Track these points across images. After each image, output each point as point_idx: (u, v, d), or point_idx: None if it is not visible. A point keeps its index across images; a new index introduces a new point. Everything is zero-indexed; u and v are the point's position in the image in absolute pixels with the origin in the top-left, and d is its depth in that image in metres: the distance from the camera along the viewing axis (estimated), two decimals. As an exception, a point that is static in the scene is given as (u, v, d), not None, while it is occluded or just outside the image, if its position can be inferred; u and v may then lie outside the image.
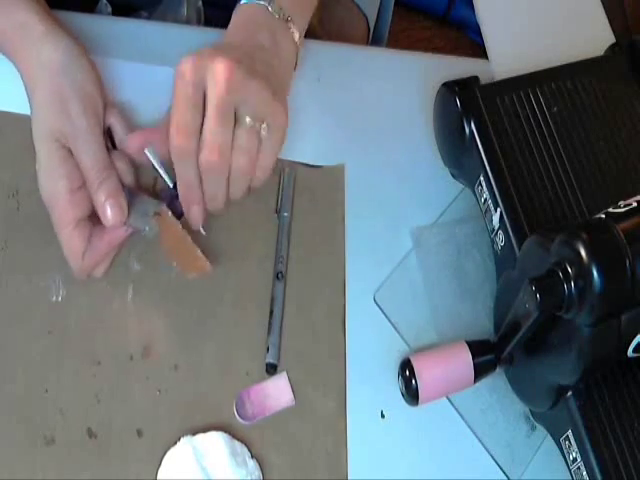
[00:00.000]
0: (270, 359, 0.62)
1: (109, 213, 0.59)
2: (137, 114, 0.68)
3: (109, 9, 0.79)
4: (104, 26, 0.71)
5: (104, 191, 0.59)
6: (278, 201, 0.67)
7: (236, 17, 0.65)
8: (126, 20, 0.74)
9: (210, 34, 0.73)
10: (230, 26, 0.65)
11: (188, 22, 0.81)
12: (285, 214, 0.67)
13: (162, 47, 0.71)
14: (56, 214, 0.60)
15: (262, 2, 0.64)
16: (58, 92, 0.60)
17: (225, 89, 0.56)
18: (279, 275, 0.65)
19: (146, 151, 0.61)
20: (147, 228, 0.61)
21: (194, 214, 0.61)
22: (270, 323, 0.63)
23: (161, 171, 0.61)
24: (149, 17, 0.81)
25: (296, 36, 0.65)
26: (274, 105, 0.59)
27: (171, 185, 0.61)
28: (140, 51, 0.70)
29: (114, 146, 0.63)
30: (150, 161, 0.61)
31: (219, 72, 0.56)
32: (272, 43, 0.63)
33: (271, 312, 0.64)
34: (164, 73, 0.69)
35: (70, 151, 0.60)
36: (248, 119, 0.57)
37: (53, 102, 0.60)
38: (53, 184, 0.59)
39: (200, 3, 0.81)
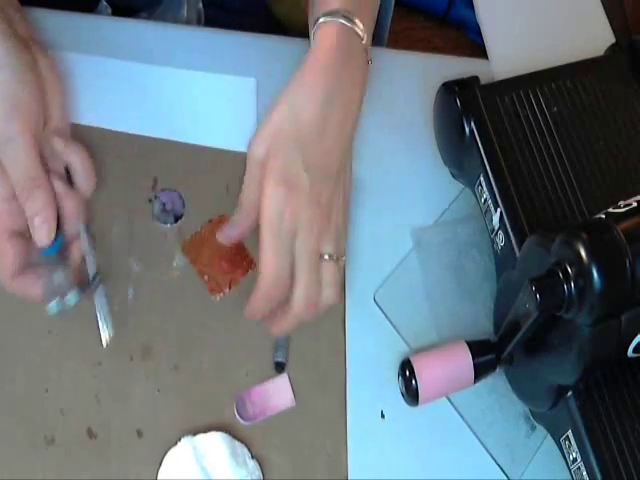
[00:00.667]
0: (279, 358, 0.63)
1: (36, 230, 0.57)
2: (137, 114, 0.68)
3: (109, 10, 0.79)
4: (104, 26, 0.71)
5: (31, 205, 0.57)
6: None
7: (324, 41, 0.60)
8: (126, 20, 0.74)
9: (210, 35, 0.73)
10: (316, 51, 0.60)
11: (188, 22, 0.81)
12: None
13: (162, 47, 0.71)
14: None
15: (355, 29, 0.60)
16: None
17: (316, 242, 0.57)
18: None
19: (80, 228, 0.60)
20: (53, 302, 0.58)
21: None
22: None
23: (88, 256, 0.60)
24: (149, 18, 0.81)
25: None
26: (343, 235, 0.60)
27: (92, 274, 0.60)
28: (140, 51, 0.70)
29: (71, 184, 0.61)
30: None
31: (312, 225, 0.57)
32: (360, 91, 0.61)
33: None
34: (164, 73, 0.70)
35: None
36: (327, 256, 0.58)
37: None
38: None
39: (200, 4, 0.81)
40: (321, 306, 0.59)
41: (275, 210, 0.56)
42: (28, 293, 0.58)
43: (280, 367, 0.63)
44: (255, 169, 0.57)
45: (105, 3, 0.78)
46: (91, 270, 0.60)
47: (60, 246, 0.59)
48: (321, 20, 0.60)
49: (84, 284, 0.60)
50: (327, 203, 0.58)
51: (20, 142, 0.57)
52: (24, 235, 0.58)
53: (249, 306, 0.58)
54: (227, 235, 0.60)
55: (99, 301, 0.60)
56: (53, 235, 0.57)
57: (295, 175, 0.56)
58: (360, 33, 0.60)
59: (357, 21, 0.60)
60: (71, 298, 0.58)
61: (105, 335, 0.60)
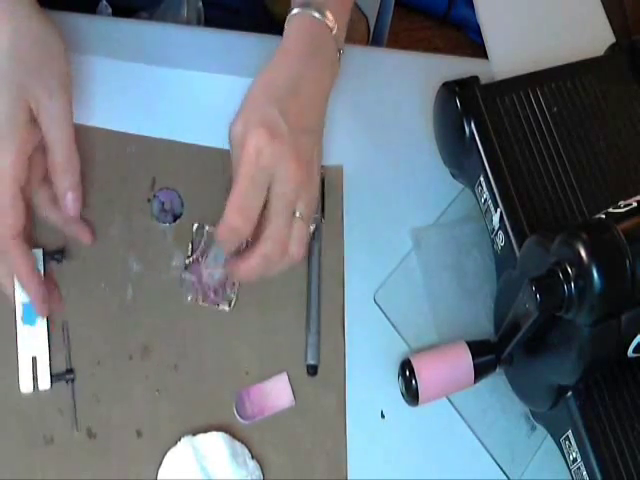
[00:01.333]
0: (311, 360, 0.62)
1: (69, 204, 0.59)
2: (136, 114, 0.68)
3: (109, 10, 0.79)
4: (104, 27, 0.71)
5: (70, 177, 0.59)
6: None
7: (295, 32, 0.63)
8: (126, 21, 0.74)
9: (210, 34, 0.73)
10: (289, 36, 0.62)
11: (188, 23, 0.81)
12: (315, 215, 0.66)
13: (162, 48, 0.71)
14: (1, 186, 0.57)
15: (325, 21, 0.62)
16: (37, 58, 0.58)
17: (294, 193, 0.57)
18: (312, 275, 0.65)
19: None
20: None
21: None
22: (308, 323, 0.64)
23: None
24: (149, 18, 0.81)
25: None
26: (314, 200, 0.60)
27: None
28: (140, 52, 0.70)
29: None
30: None
31: (291, 173, 0.56)
32: (330, 75, 0.63)
33: (308, 311, 0.64)
34: (164, 73, 0.69)
35: (32, 118, 0.58)
36: (299, 213, 0.58)
37: (30, 61, 0.58)
38: (9, 149, 0.57)
39: (200, 4, 0.81)
40: (285, 259, 0.58)
41: (255, 147, 0.55)
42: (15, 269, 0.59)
43: (313, 370, 0.62)
44: (237, 147, 0.57)
45: (105, 3, 0.78)
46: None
47: (40, 318, 0.61)
48: (294, 12, 0.62)
49: (60, 374, 0.61)
50: (306, 160, 0.58)
51: (69, 116, 0.60)
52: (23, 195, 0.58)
53: (216, 237, 0.58)
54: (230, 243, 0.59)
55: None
56: (79, 209, 0.60)
57: (275, 123, 0.56)
58: (330, 24, 0.62)
59: (328, 13, 0.62)
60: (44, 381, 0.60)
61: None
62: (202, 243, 0.64)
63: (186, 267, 0.64)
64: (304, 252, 0.59)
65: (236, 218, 0.56)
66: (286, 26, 0.63)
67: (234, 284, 0.63)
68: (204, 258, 0.64)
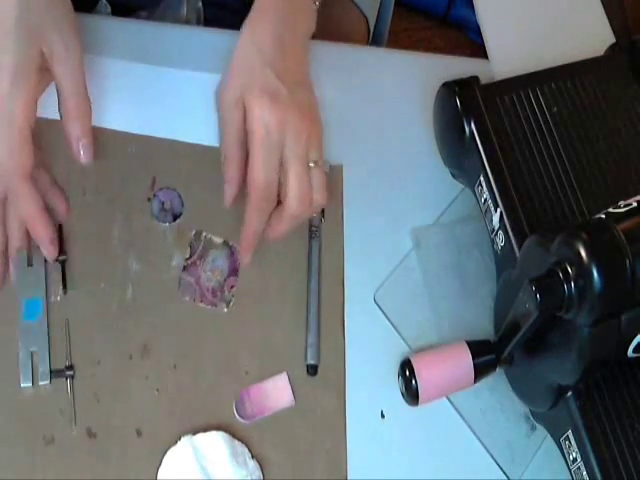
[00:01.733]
0: (311, 360, 0.62)
1: (82, 152, 0.61)
2: (135, 114, 0.68)
3: (108, 9, 0.79)
4: (103, 26, 0.71)
5: (81, 122, 0.60)
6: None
7: None
8: (127, 20, 0.74)
9: (209, 34, 0.73)
10: None
11: (187, 22, 0.80)
12: (315, 215, 0.66)
13: (163, 47, 0.71)
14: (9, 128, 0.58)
15: None
16: (48, 6, 0.60)
17: (305, 147, 0.60)
18: (312, 275, 0.65)
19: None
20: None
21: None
22: (307, 322, 0.64)
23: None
24: (148, 17, 0.80)
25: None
26: (321, 143, 0.63)
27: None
28: (140, 51, 0.70)
29: None
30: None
31: (298, 132, 0.60)
32: (307, 25, 0.66)
33: (308, 311, 0.64)
34: (164, 73, 0.69)
35: (43, 68, 0.59)
36: (312, 162, 0.61)
37: (42, 8, 0.59)
38: (18, 93, 0.58)
39: (200, 4, 0.81)
40: (313, 208, 0.62)
41: (263, 123, 0.59)
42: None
43: (313, 370, 0.62)
44: (230, 110, 0.61)
45: (104, 1, 0.78)
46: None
47: (41, 314, 0.61)
48: None
49: (60, 370, 0.61)
50: (308, 109, 0.62)
51: (81, 64, 0.61)
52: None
53: (246, 225, 0.61)
54: (228, 196, 0.62)
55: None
56: (92, 156, 0.62)
57: (274, 87, 0.60)
58: None
59: None
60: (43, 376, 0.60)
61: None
62: (200, 247, 0.64)
63: (184, 268, 0.64)
64: (327, 195, 0.62)
65: (263, 203, 0.60)
66: None
67: (232, 287, 0.64)
68: (202, 261, 0.64)
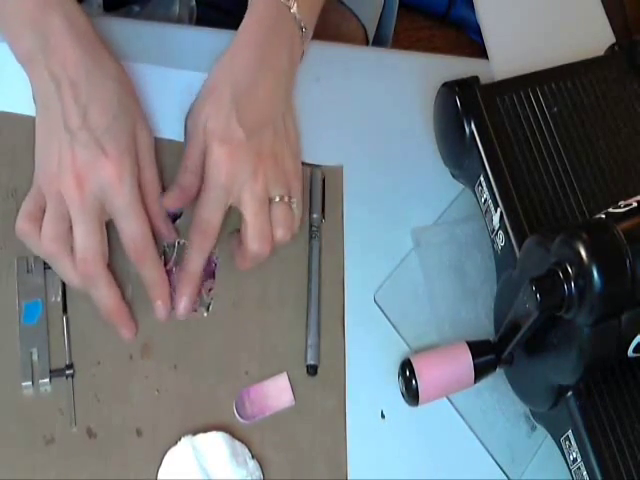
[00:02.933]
0: (311, 360, 0.62)
1: (170, 229, 0.64)
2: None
3: (100, 1, 0.78)
4: (99, 25, 0.71)
5: (163, 210, 0.63)
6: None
7: (253, 13, 0.65)
8: (121, 20, 0.74)
9: (202, 33, 0.73)
10: (248, 22, 0.65)
11: (180, 20, 0.80)
12: (315, 215, 0.67)
13: (158, 47, 0.71)
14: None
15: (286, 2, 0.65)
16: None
17: (263, 188, 0.61)
18: (312, 275, 0.65)
19: None
20: None
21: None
22: (307, 322, 0.64)
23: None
24: (140, 12, 0.80)
25: (306, 44, 0.67)
26: (294, 178, 0.64)
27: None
28: (136, 51, 0.70)
29: None
30: None
31: (254, 176, 0.61)
32: (289, 56, 0.65)
33: (308, 311, 0.64)
34: (164, 73, 0.69)
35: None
36: (278, 197, 0.62)
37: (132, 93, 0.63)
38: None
39: (193, 2, 0.81)
40: (274, 244, 0.62)
41: (216, 166, 0.60)
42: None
43: (313, 370, 0.62)
44: (200, 133, 0.62)
45: (96, -7, 0.78)
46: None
47: (41, 316, 0.61)
48: None
49: (59, 369, 0.61)
50: (270, 151, 0.62)
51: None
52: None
53: (185, 265, 0.62)
54: (175, 199, 0.62)
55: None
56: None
57: (233, 132, 0.61)
58: (288, 2, 0.65)
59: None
60: (43, 376, 0.60)
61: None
62: (174, 255, 0.64)
63: None
64: (292, 231, 0.63)
65: (200, 234, 0.61)
66: (248, 7, 0.65)
67: (210, 289, 0.64)
68: (177, 269, 0.63)
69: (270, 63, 0.64)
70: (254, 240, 0.61)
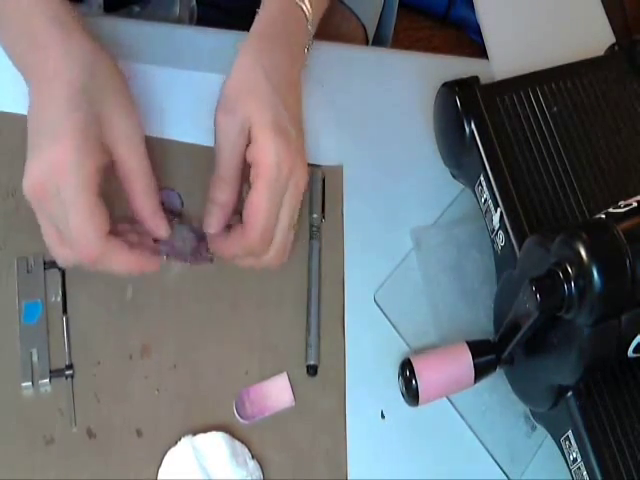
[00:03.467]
0: (311, 361, 0.62)
1: (162, 224, 0.58)
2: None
3: (100, 1, 0.78)
4: (100, 26, 0.71)
5: (152, 202, 0.58)
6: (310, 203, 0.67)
7: (276, 13, 0.63)
8: (122, 20, 0.74)
9: (206, 34, 0.73)
10: (263, 19, 0.62)
11: (180, 20, 0.80)
12: (315, 215, 0.67)
13: (160, 47, 0.71)
14: (73, 178, 0.53)
15: (300, 4, 0.63)
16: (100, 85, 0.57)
17: (297, 205, 0.59)
18: (312, 275, 0.65)
19: None
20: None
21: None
22: (307, 322, 0.64)
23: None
24: (141, 12, 0.80)
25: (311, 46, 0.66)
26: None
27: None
28: (138, 51, 0.70)
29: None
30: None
31: (301, 182, 0.58)
32: (303, 54, 0.64)
33: (308, 311, 0.64)
34: (163, 73, 0.69)
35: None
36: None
37: (110, 77, 0.58)
38: (79, 147, 0.54)
39: (194, 2, 0.81)
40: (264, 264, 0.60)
41: (275, 161, 0.55)
42: (126, 255, 0.56)
43: (313, 370, 0.62)
44: (235, 134, 0.57)
45: (96, -7, 0.78)
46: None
47: (41, 316, 0.61)
48: None
49: (59, 369, 0.60)
50: (305, 158, 0.60)
51: (139, 137, 0.58)
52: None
53: (225, 248, 0.59)
54: (216, 222, 0.59)
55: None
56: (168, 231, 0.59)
57: (286, 127, 0.57)
58: (307, 13, 0.63)
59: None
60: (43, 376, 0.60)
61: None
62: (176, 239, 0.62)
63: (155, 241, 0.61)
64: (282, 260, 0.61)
65: (258, 242, 0.57)
66: (262, 10, 0.63)
67: (207, 249, 0.62)
68: (170, 235, 0.61)
69: (294, 62, 0.62)
70: (274, 255, 0.59)
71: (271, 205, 0.56)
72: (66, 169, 0.53)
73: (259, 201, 0.56)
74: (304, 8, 0.62)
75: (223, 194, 0.58)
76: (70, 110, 0.55)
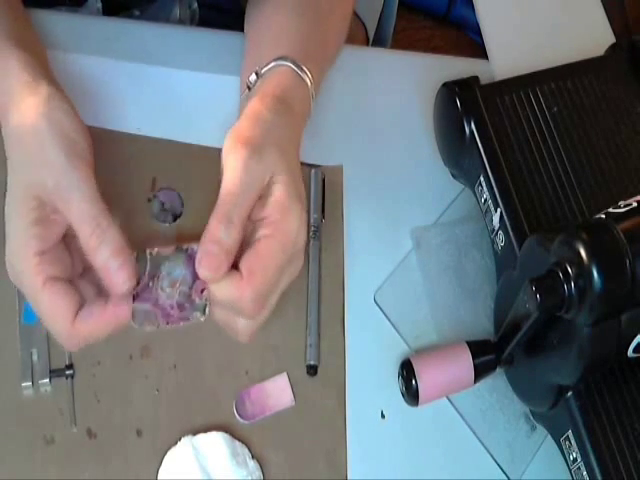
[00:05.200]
0: (311, 360, 0.62)
1: (117, 276, 0.51)
2: (136, 114, 0.68)
3: (99, 4, 0.78)
4: (102, 27, 0.71)
5: (106, 247, 0.51)
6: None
7: (274, 84, 0.60)
8: (124, 20, 0.74)
9: (207, 35, 0.73)
10: (264, 94, 0.58)
11: (181, 22, 0.80)
12: (315, 215, 0.67)
13: (162, 48, 0.71)
14: (26, 281, 0.52)
15: (302, 75, 0.61)
16: (38, 141, 0.53)
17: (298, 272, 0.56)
18: (312, 275, 0.65)
19: None
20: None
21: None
22: (307, 322, 0.64)
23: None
24: (141, 15, 0.80)
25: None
26: None
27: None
28: (140, 52, 0.70)
29: None
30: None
31: (302, 257, 0.56)
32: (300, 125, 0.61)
33: (308, 311, 0.64)
34: (164, 73, 0.70)
35: (48, 211, 0.52)
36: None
37: (32, 152, 0.53)
38: (21, 249, 0.51)
39: (195, 5, 0.81)
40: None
41: (296, 229, 0.53)
42: (98, 327, 0.52)
43: (313, 370, 0.62)
44: (261, 176, 0.53)
45: (95, -4, 0.78)
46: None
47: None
48: (272, 65, 0.61)
49: (59, 369, 0.60)
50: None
51: (83, 183, 0.52)
52: (68, 281, 0.53)
53: (216, 290, 0.53)
54: (217, 267, 0.52)
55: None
56: (134, 279, 0.52)
57: (303, 194, 0.56)
58: (308, 82, 0.61)
59: (306, 69, 0.61)
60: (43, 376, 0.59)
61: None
62: (148, 268, 0.54)
63: (134, 298, 0.53)
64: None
65: (257, 296, 0.53)
66: (262, 80, 0.61)
67: (203, 290, 0.54)
68: (156, 281, 0.54)
69: (301, 131, 0.60)
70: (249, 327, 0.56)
71: (281, 267, 0.53)
72: (16, 274, 0.52)
73: (271, 258, 0.53)
74: (306, 80, 0.61)
75: (230, 237, 0.52)
76: (21, 205, 0.52)
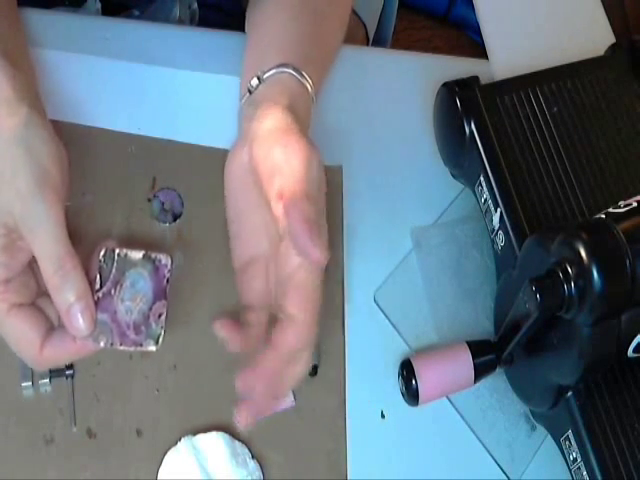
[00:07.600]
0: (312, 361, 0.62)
1: (79, 321, 0.50)
2: (136, 114, 0.68)
3: (98, 5, 0.78)
4: (101, 26, 0.71)
5: (69, 290, 0.49)
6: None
7: (280, 92, 0.59)
8: (123, 20, 0.74)
9: (208, 35, 0.73)
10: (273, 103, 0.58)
11: (180, 22, 0.80)
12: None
13: (162, 48, 0.71)
14: None
15: (303, 81, 0.60)
16: (11, 167, 0.51)
17: None
18: None
19: None
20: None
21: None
22: None
23: None
24: (140, 15, 0.80)
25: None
26: None
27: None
28: (140, 52, 0.70)
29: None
30: None
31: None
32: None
33: None
34: (164, 73, 0.70)
35: (15, 238, 0.51)
36: None
37: (3, 177, 0.51)
38: None
39: (195, 5, 0.81)
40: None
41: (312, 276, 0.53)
42: (65, 355, 0.52)
43: (313, 370, 0.62)
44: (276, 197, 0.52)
45: (94, -4, 0.78)
46: None
47: None
48: (272, 72, 0.60)
49: (60, 370, 0.60)
50: None
51: (49, 217, 0.50)
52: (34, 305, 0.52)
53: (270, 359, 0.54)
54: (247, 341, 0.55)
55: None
56: (94, 324, 0.51)
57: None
58: (309, 88, 0.61)
59: (306, 75, 0.60)
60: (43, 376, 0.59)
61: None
62: (113, 270, 0.51)
63: (96, 304, 0.51)
64: None
65: (311, 335, 0.53)
66: (265, 86, 0.60)
67: (160, 315, 0.52)
68: (118, 289, 0.51)
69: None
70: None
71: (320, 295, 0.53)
72: None
73: (313, 288, 0.53)
74: (307, 85, 0.61)
75: (242, 285, 0.57)
76: None
